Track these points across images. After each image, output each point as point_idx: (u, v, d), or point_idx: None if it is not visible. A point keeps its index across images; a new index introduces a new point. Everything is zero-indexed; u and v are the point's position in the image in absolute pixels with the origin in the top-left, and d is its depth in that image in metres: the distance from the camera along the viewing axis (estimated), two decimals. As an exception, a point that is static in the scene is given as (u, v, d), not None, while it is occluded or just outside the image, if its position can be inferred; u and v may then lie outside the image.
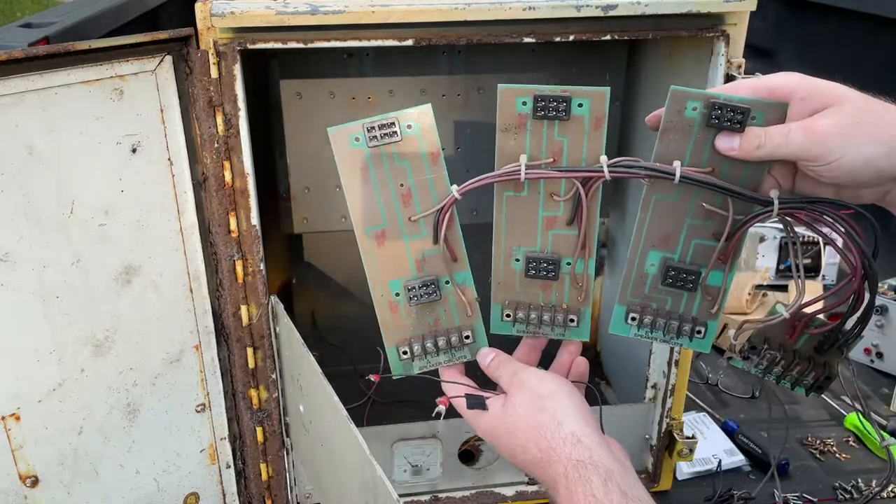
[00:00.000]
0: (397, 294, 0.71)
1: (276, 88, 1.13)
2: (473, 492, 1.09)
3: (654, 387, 1.08)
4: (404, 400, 1.22)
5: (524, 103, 0.66)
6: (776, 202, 0.63)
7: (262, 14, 0.81)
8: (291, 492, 1.04)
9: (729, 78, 0.88)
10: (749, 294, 1.58)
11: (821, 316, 0.67)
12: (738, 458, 1.23)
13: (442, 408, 0.70)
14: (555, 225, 0.70)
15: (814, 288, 1.61)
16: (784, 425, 1.25)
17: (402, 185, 0.69)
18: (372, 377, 0.72)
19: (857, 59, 1.85)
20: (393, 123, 0.67)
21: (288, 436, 1.01)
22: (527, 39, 0.85)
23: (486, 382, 0.72)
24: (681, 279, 0.68)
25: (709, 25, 0.87)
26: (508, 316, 0.73)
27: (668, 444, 1.08)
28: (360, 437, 0.78)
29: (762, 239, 1.67)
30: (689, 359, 1.04)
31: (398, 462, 1.07)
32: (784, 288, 1.64)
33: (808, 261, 1.68)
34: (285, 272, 1.30)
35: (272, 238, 1.14)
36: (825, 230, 0.63)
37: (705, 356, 1.51)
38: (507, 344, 0.74)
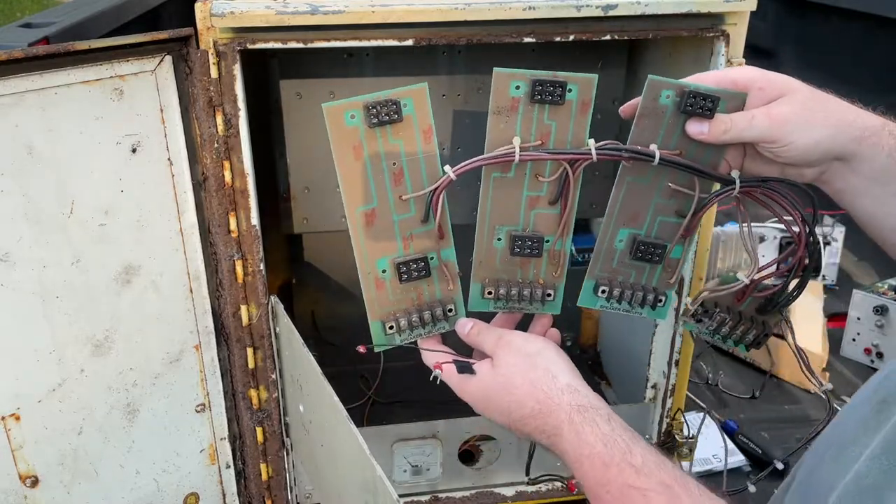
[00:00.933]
0: (384, 271, 0.73)
1: (276, 88, 1.12)
2: (473, 492, 1.09)
3: (654, 387, 1.08)
4: (404, 400, 1.22)
5: (517, 87, 0.70)
6: (738, 181, 0.70)
7: (262, 14, 0.81)
8: (291, 492, 1.04)
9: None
10: (749, 294, 1.58)
11: (765, 281, 0.74)
12: (738, 458, 1.23)
13: (438, 372, 0.73)
14: (537, 204, 0.74)
15: (813, 287, 1.61)
16: (785, 425, 1.25)
17: (394, 163, 0.70)
18: (360, 348, 0.74)
19: (857, 59, 1.85)
20: (395, 103, 0.68)
21: (288, 436, 1.01)
22: (527, 39, 0.85)
23: (460, 352, 0.75)
24: (649, 252, 0.75)
25: (709, 25, 0.87)
26: (490, 293, 0.76)
27: (669, 444, 1.08)
28: (360, 437, 0.78)
29: (762, 239, 1.67)
30: (689, 359, 1.04)
31: (398, 462, 1.07)
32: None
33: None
34: (285, 272, 1.30)
35: (272, 238, 1.14)
36: (776, 208, 0.71)
37: (706, 356, 1.51)
38: (482, 319, 0.77)
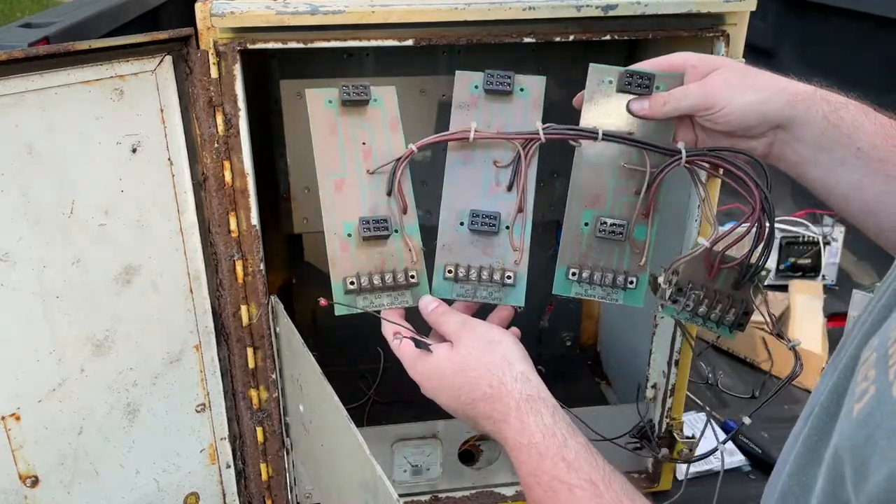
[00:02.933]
0: (349, 234, 0.77)
1: (276, 88, 1.13)
2: (473, 492, 1.09)
3: (654, 387, 1.08)
4: (404, 400, 1.22)
5: (476, 86, 0.79)
6: (683, 151, 0.74)
7: (262, 14, 0.81)
8: (291, 492, 1.04)
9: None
10: (749, 294, 1.58)
11: (731, 254, 0.75)
12: (738, 458, 1.23)
13: (399, 339, 0.75)
14: (497, 191, 0.78)
15: (813, 287, 1.62)
16: (785, 425, 1.25)
17: (364, 143, 0.78)
18: (321, 300, 0.76)
19: (857, 59, 1.85)
20: (365, 87, 0.77)
21: (288, 436, 1.01)
22: (527, 39, 0.85)
23: (420, 330, 0.77)
24: (612, 230, 0.77)
25: (709, 25, 0.87)
26: (450, 272, 0.78)
27: (668, 444, 1.08)
28: (360, 437, 0.78)
29: (762, 239, 1.66)
30: (689, 359, 1.04)
31: (398, 462, 1.07)
32: (784, 288, 1.64)
33: (807, 261, 1.68)
34: (285, 272, 1.30)
35: (272, 238, 1.14)
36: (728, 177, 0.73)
37: (707, 355, 1.51)
38: None
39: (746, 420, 0.87)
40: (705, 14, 0.87)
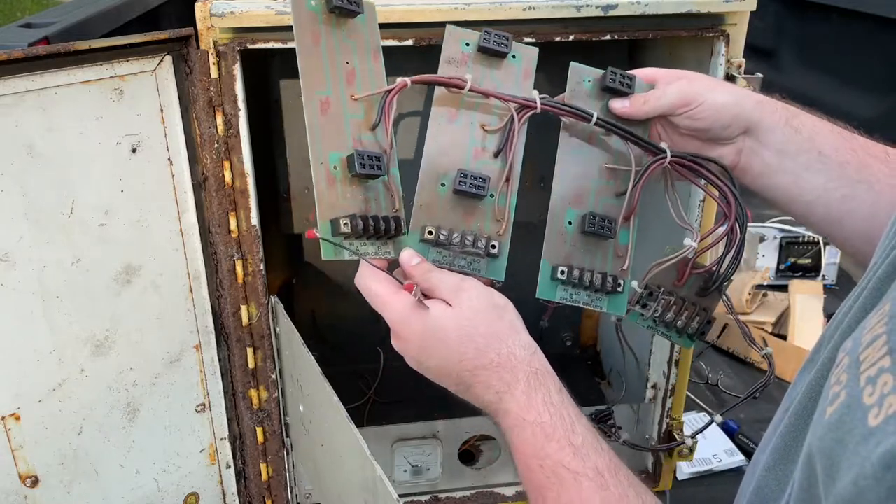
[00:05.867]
0: (335, 167, 0.69)
1: (276, 88, 1.13)
2: (473, 492, 1.09)
3: (654, 387, 1.08)
4: (404, 400, 1.22)
5: (467, 44, 0.75)
6: (668, 151, 0.74)
7: (262, 14, 0.81)
8: (291, 492, 1.04)
9: (729, 78, 0.88)
10: (749, 294, 1.58)
11: (700, 261, 0.77)
12: (738, 458, 1.23)
13: (408, 290, 0.67)
14: (482, 156, 0.74)
15: (813, 287, 1.62)
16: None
17: (347, 62, 0.73)
18: (308, 233, 0.68)
19: (857, 59, 1.85)
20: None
21: (288, 436, 1.01)
22: (527, 39, 0.85)
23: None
24: (599, 225, 0.74)
25: (709, 25, 0.87)
26: (430, 233, 0.70)
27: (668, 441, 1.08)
28: (360, 437, 0.78)
29: (762, 239, 1.67)
30: (689, 359, 1.04)
31: (398, 462, 1.07)
32: (784, 288, 1.64)
33: (808, 261, 1.69)
34: (285, 272, 1.30)
35: (272, 238, 1.14)
36: (703, 182, 0.76)
37: (707, 356, 1.51)
38: None
39: (718, 418, 0.87)
40: (705, 14, 0.87)
